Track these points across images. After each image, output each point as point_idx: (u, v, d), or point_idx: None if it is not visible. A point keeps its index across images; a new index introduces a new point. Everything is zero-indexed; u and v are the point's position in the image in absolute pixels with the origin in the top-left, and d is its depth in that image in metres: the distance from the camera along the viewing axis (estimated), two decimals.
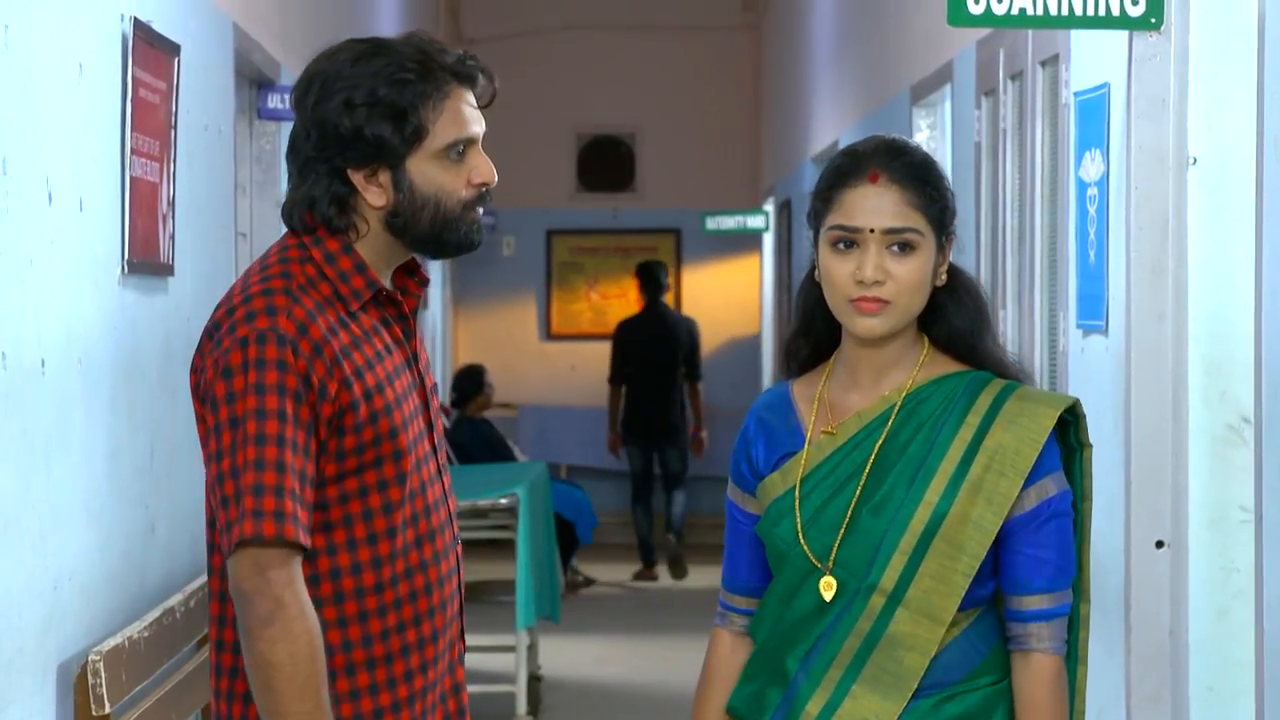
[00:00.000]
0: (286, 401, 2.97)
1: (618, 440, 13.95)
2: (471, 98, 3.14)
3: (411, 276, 3.24)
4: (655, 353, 13.78)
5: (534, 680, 9.49)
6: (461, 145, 3.11)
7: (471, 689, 8.95)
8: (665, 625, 11.83)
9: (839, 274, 3.09)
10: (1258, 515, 4.02)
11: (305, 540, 2.99)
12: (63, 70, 4.33)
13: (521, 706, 8.85)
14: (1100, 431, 5.07)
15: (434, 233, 3.12)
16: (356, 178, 3.08)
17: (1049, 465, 3.11)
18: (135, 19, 4.84)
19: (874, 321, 3.09)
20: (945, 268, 3.16)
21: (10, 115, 3.93)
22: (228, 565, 3.00)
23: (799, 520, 3.15)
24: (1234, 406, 4.60)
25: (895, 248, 3.08)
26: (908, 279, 3.08)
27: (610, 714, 9.42)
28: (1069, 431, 3.18)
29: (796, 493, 3.15)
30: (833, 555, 3.12)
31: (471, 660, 9.91)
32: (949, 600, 3.08)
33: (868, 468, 3.12)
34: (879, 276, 3.06)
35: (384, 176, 3.08)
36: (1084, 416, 3.19)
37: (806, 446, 3.18)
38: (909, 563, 3.08)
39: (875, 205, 3.08)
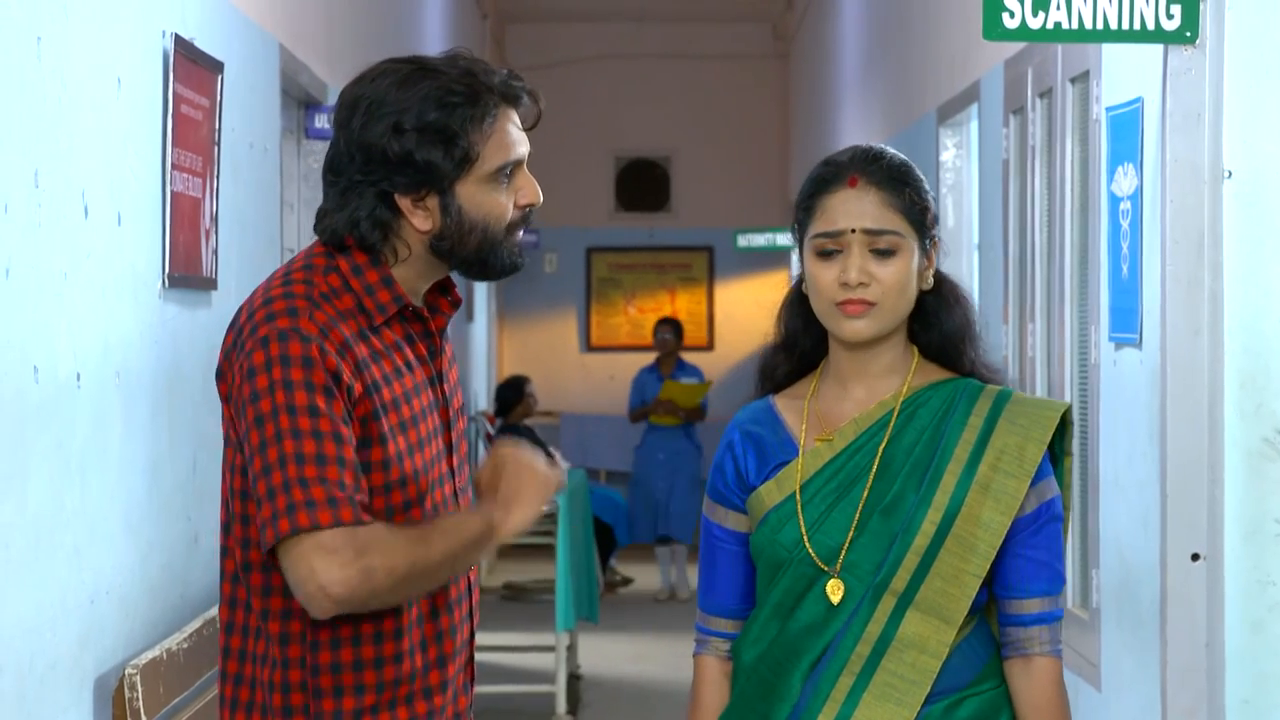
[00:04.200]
0: (316, 396, 2.69)
1: None
2: (517, 118, 2.88)
3: (445, 295, 2.97)
4: None
5: (573, 679, 9.24)
6: (509, 168, 2.86)
7: (512, 688, 8.72)
8: None
9: (824, 279, 2.92)
10: None
11: (365, 516, 2.69)
12: (100, 84, 4.03)
13: (561, 705, 8.61)
14: (1134, 443, 4.79)
15: (480, 256, 2.86)
16: (403, 202, 2.82)
17: (1045, 469, 2.94)
18: (176, 35, 4.55)
19: (860, 324, 2.91)
20: (931, 271, 2.98)
21: (43, 127, 3.63)
22: (285, 565, 2.69)
23: (803, 524, 2.92)
24: (1270, 420, 4.31)
25: (878, 250, 2.90)
26: (891, 280, 2.90)
27: (647, 711, 9.15)
28: (1055, 439, 2.98)
29: (798, 498, 2.93)
30: (840, 558, 2.90)
31: (512, 659, 9.67)
32: (961, 601, 2.88)
33: (873, 471, 2.92)
34: (862, 278, 2.89)
35: (431, 201, 2.82)
36: (1072, 424, 3.00)
37: (801, 454, 2.96)
38: (921, 563, 2.88)
39: (855, 208, 2.91)
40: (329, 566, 2.65)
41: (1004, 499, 2.89)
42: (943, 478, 2.89)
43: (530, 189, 2.88)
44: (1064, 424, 2.97)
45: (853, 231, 2.90)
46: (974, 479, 2.89)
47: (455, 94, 2.79)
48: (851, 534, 2.90)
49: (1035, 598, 2.93)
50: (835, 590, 2.90)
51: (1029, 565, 2.92)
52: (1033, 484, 2.91)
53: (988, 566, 2.88)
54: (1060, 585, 2.94)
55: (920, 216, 2.93)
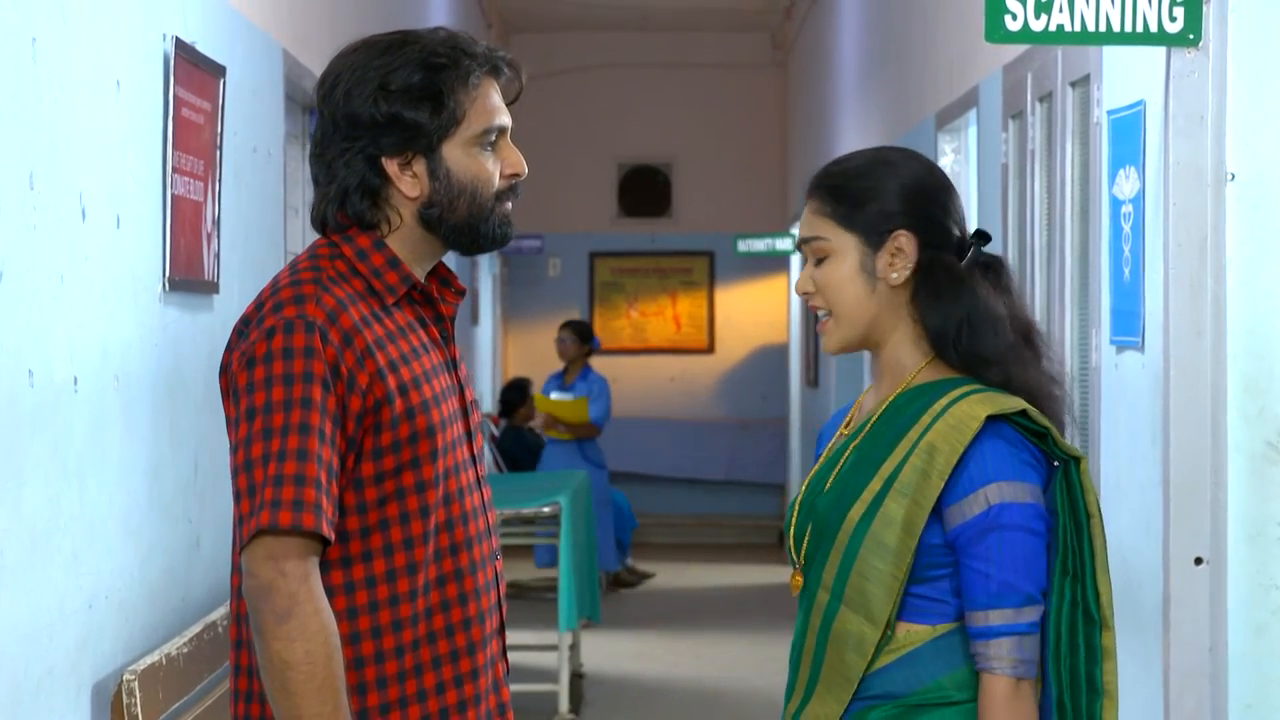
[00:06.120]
0: (314, 388, 2.61)
1: None
2: (499, 89, 2.84)
3: (448, 287, 2.90)
4: None
5: (576, 678, 9.11)
6: (494, 134, 2.80)
7: (515, 687, 8.58)
8: (700, 622, 11.48)
9: None
10: None
11: (327, 531, 2.60)
12: (98, 86, 3.90)
13: (564, 704, 8.48)
14: (1136, 447, 4.66)
15: (470, 223, 2.79)
16: (391, 167, 2.75)
17: (995, 472, 2.72)
18: (177, 39, 4.42)
19: (825, 339, 2.90)
20: (900, 266, 2.83)
21: (38, 130, 3.49)
22: (242, 560, 2.62)
23: (794, 519, 2.87)
24: (1272, 423, 4.18)
25: (818, 259, 2.87)
26: (825, 283, 2.85)
27: (649, 709, 9.02)
28: (1050, 445, 2.76)
29: (801, 492, 2.88)
30: (803, 551, 2.84)
31: (515, 658, 9.52)
32: (883, 602, 2.74)
33: (837, 468, 2.83)
34: (805, 287, 2.88)
35: (419, 165, 2.76)
36: (1053, 429, 2.76)
37: (826, 449, 2.92)
38: (843, 560, 2.77)
39: (802, 221, 2.91)
40: (267, 577, 2.59)
41: (922, 500, 2.73)
42: (873, 477, 2.78)
43: (515, 159, 2.83)
44: (1041, 426, 2.76)
45: (799, 245, 2.92)
46: (897, 479, 2.75)
47: (440, 56, 2.76)
48: (810, 530, 2.84)
49: (977, 610, 2.72)
50: (796, 585, 2.87)
51: (971, 575, 2.72)
52: (971, 488, 2.72)
53: (905, 568, 2.72)
54: (1015, 599, 2.71)
55: (855, 215, 2.83)
